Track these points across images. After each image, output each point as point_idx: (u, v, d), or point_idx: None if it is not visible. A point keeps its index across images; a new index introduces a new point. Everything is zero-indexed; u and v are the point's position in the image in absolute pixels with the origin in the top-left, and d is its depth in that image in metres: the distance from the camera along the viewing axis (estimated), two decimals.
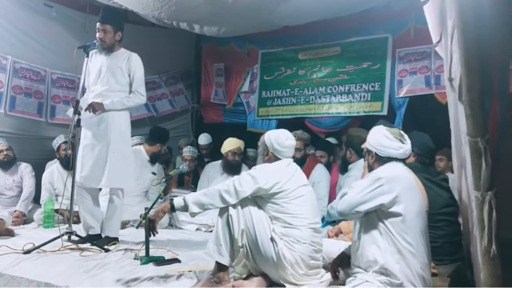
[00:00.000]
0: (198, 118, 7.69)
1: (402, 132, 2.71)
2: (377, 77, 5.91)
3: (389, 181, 2.50)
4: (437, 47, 2.97)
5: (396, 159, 2.64)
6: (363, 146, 2.98)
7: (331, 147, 5.68)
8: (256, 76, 6.94)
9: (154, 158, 5.38)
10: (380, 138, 2.66)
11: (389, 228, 2.49)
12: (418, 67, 5.62)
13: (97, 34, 3.96)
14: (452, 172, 4.60)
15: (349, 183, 3.71)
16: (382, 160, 2.66)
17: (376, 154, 2.67)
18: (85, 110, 3.81)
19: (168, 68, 7.21)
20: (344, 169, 4.41)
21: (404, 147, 2.63)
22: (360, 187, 2.56)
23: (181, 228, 4.88)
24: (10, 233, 4.24)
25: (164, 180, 3.97)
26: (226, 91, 7.27)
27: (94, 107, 3.84)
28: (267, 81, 6.83)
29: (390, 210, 2.48)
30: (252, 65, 6.97)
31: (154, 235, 3.06)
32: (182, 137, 7.20)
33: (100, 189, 4.54)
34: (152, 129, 5.58)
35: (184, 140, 6.99)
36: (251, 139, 5.39)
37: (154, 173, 5.38)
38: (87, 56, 3.90)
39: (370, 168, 2.73)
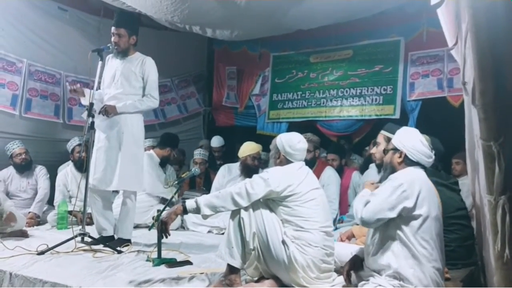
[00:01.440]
0: (210, 121, 7.74)
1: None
2: (389, 80, 5.89)
3: (411, 185, 2.49)
4: (453, 50, 2.96)
5: (419, 165, 2.63)
6: (373, 151, 2.96)
7: (343, 150, 5.66)
8: (267, 79, 6.96)
9: (164, 162, 5.46)
10: (416, 142, 2.64)
11: (405, 233, 2.48)
12: (430, 69, 5.59)
13: (112, 38, 4.00)
14: None
15: (368, 178, 3.74)
16: (409, 163, 2.64)
17: (406, 155, 2.64)
18: (99, 113, 3.85)
19: (180, 71, 7.27)
20: (365, 167, 4.40)
21: (433, 157, 2.65)
22: (383, 195, 2.52)
23: (193, 231, 4.90)
24: (24, 234, 4.28)
25: (176, 182, 4.00)
26: (238, 94, 7.30)
27: (107, 110, 3.88)
28: (278, 84, 6.85)
29: (413, 213, 2.47)
30: (264, 68, 7.00)
31: (166, 237, 3.08)
32: (194, 140, 7.24)
33: (117, 192, 4.61)
34: (163, 135, 5.66)
35: (204, 141, 7.04)
36: (261, 142, 5.41)
37: (164, 172, 5.48)
38: (101, 60, 3.94)
39: (392, 168, 2.70)
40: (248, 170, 4.94)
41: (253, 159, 5.00)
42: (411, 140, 2.65)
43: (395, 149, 2.68)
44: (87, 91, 4.01)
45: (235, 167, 5.25)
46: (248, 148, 5.05)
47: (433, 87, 5.57)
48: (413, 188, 2.48)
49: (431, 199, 2.53)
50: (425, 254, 2.46)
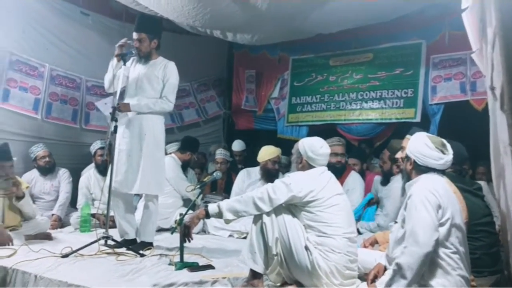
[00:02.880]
0: (230, 124, 7.75)
1: (444, 141, 2.62)
2: (410, 84, 5.81)
3: (427, 195, 2.44)
4: (474, 54, 2.93)
5: (434, 170, 2.58)
6: (397, 156, 2.95)
7: (364, 154, 5.61)
8: (286, 82, 6.95)
9: (185, 165, 5.47)
10: (420, 146, 2.60)
11: None
12: (453, 73, 5.50)
13: (134, 43, 4.03)
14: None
15: (391, 195, 3.71)
16: (420, 169, 2.60)
17: (414, 161, 2.62)
18: (113, 110, 3.88)
19: (200, 75, 7.27)
20: (386, 181, 4.36)
21: (445, 158, 2.56)
22: (421, 218, 2.43)
23: (214, 234, 4.92)
24: (48, 237, 4.33)
25: (198, 186, 4.02)
26: (257, 97, 7.30)
27: (120, 108, 3.90)
28: (298, 87, 6.82)
29: (439, 222, 2.43)
30: (283, 72, 6.98)
31: (189, 241, 3.10)
32: (214, 143, 7.25)
33: (139, 196, 4.64)
34: (184, 138, 5.65)
35: (214, 146, 7.05)
36: (281, 145, 5.40)
37: (186, 176, 5.50)
38: (124, 64, 3.96)
39: (407, 176, 2.68)
40: (269, 175, 4.95)
41: (273, 163, 5.01)
42: (416, 145, 2.62)
43: (407, 157, 2.68)
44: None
45: (255, 171, 5.27)
46: (267, 152, 5.05)
47: (455, 90, 5.47)
48: (439, 196, 2.44)
49: (452, 206, 2.49)
50: (450, 263, 2.43)
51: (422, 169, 2.60)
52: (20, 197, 4.16)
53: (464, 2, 2.77)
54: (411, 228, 2.43)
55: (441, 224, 2.44)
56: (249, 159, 6.43)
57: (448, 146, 2.61)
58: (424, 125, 5.27)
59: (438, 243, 2.42)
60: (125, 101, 4.06)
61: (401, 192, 2.84)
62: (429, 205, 2.42)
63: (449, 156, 2.58)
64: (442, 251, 2.43)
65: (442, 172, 2.62)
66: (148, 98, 4.03)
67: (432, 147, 2.57)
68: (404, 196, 2.70)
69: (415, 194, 2.50)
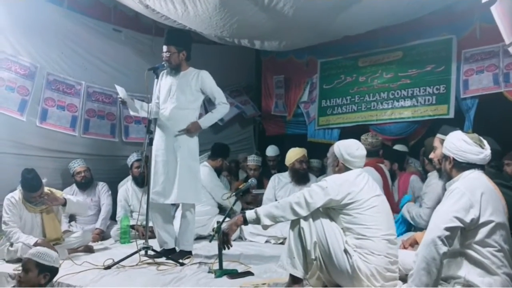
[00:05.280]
0: (261, 131, 7.77)
1: (480, 137, 2.60)
2: (442, 80, 5.72)
3: (472, 191, 2.42)
4: (511, 48, 2.87)
5: (475, 166, 2.55)
6: (431, 156, 2.91)
7: (396, 154, 5.50)
8: (315, 85, 6.94)
9: (217, 172, 5.52)
10: (459, 142, 2.57)
11: (471, 243, 2.42)
12: (485, 65, 5.37)
13: (163, 56, 4.13)
14: None
15: (429, 190, 3.67)
16: (460, 166, 2.57)
17: (454, 159, 2.58)
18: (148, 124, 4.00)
19: (230, 83, 7.25)
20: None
21: (484, 152, 2.53)
22: (447, 205, 2.45)
23: (250, 241, 4.94)
24: (90, 250, 4.45)
25: (234, 194, 4.06)
26: (286, 102, 7.31)
27: (190, 130, 4.06)
28: (327, 90, 6.82)
29: (479, 222, 2.40)
30: (312, 75, 6.99)
31: (228, 248, 3.13)
32: (246, 150, 7.28)
33: (176, 205, 4.71)
34: (214, 146, 5.69)
35: (243, 154, 7.09)
36: (313, 149, 5.38)
37: None
38: (157, 77, 4.06)
39: (447, 175, 2.65)
40: (298, 175, 5.04)
41: (300, 162, 5.11)
42: (454, 142, 2.59)
43: (445, 156, 2.64)
44: (137, 102, 4.20)
45: (284, 175, 5.36)
46: (293, 154, 5.18)
47: (488, 82, 5.35)
48: (475, 195, 2.41)
49: (494, 203, 2.45)
50: (495, 261, 2.39)
51: (463, 166, 2.57)
52: (63, 205, 4.26)
53: None
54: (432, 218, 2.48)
55: (483, 224, 2.40)
56: (282, 164, 6.44)
57: (485, 142, 2.59)
58: (458, 121, 5.19)
59: (469, 244, 2.41)
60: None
61: (442, 192, 2.80)
62: (458, 200, 2.41)
63: (487, 150, 2.56)
64: (486, 250, 2.40)
65: (482, 168, 2.58)
66: (182, 109, 4.10)
67: (470, 142, 2.55)
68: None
69: (451, 189, 2.50)
